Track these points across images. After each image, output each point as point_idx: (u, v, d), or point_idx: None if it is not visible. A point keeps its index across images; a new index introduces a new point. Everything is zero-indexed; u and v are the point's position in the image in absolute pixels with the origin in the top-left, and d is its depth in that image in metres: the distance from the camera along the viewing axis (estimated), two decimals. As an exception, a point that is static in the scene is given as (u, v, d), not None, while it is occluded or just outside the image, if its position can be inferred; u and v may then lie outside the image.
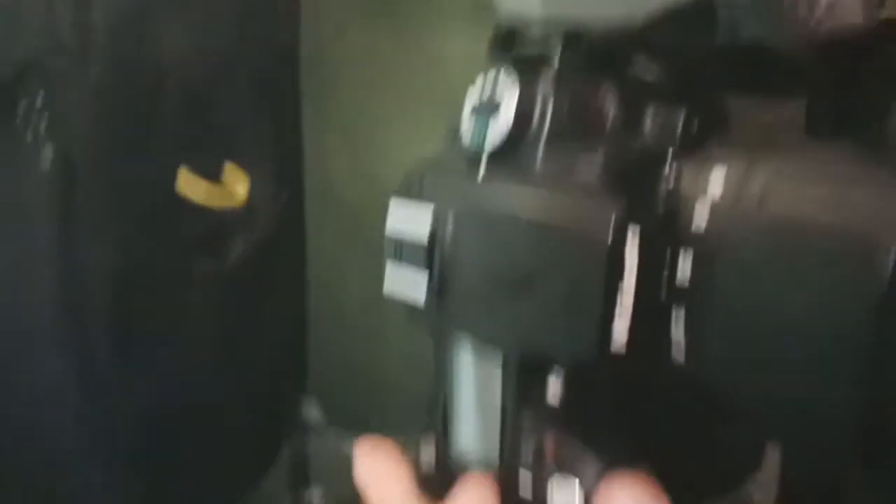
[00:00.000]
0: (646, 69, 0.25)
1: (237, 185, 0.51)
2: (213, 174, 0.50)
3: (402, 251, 0.23)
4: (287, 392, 0.57)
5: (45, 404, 0.47)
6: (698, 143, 0.23)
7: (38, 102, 0.41)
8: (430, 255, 0.22)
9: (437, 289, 0.22)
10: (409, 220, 0.23)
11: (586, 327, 0.19)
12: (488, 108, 0.23)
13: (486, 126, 0.23)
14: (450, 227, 0.22)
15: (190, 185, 0.48)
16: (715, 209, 0.19)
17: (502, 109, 0.23)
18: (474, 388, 0.24)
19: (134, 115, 0.46)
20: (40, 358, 0.46)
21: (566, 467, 0.21)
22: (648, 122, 0.24)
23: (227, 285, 0.52)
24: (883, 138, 0.29)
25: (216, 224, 0.51)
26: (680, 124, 0.24)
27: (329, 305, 0.64)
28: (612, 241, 0.19)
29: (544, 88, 0.23)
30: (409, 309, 0.24)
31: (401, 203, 0.23)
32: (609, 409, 0.22)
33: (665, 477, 0.20)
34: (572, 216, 0.20)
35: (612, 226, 0.19)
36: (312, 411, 0.66)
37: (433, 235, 0.22)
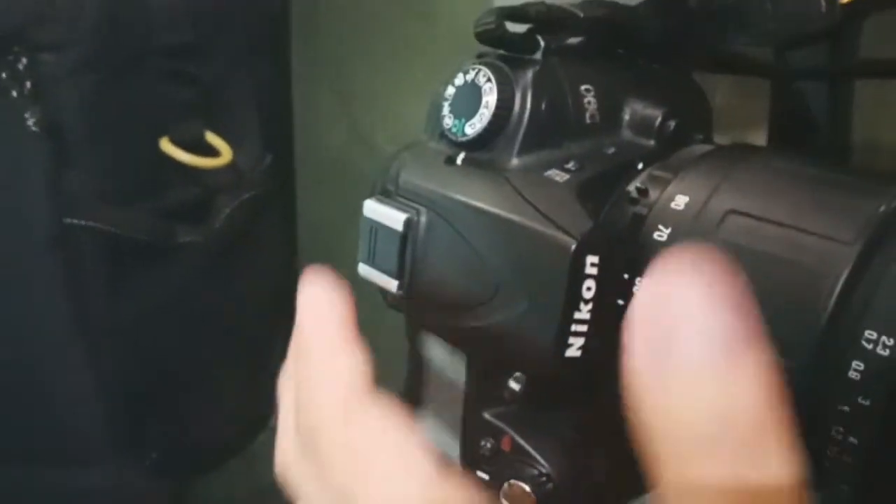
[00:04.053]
0: (626, 66, 0.25)
1: (221, 148, 0.50)
2: (198, 136, 0.49)
3: (375, 250, 0.23)
4: (275, 355, 0.58)
5: (43, 349, 0.47)
6: (674, 144, 0.23)
7: (22, 65, 0.40)
8: (402, 257, 0.22)
9: (407, 289, 0.22)
10: (383, 218, 0.22)
11: (544, 337, 0.19)
12: (467, 103, 0.23)
13: (464, 121, 0.23)
14: (421, 229, 0.22)
15: (173, 148, 0.47)
16: (675, 229, 0.19)
17: (481, 105, 0.22)
18: (440, 382, 0.24)
19: (120, 78, 0.45)
20: (36, 312, 0.46)
21: (523, 472, 0.21)
22: (626, 120, 0.24)
23: (214, 245, 0.52)
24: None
25: (202, 186, 0.50)
26: (657, 124, 0.23)
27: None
28: (574, 255, 0.18)
29: (523, 86, 0.22)
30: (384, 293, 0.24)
31: (374, 204, 0.22)
32: (569, 410, 0.22)
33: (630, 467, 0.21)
34: (539, 224, 0.20)
35: (576, 242, 0.19)
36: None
37: (405, 238, 0.22)
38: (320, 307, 0.20)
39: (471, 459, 0.23)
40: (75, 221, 0.43)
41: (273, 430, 0.22)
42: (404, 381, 0.25)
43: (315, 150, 0.65)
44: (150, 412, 0.51)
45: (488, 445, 0.22)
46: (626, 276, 0.20)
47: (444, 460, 0.19)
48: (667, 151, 0.23)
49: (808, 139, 0.30)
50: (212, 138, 0.50)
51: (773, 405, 0.12)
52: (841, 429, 0.16)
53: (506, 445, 0.22)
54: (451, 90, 0.23)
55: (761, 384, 0.12)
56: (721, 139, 0.26)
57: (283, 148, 0.57)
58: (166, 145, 0.47)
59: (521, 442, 0.22)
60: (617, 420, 0.21)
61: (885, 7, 0.25)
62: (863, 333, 0.16)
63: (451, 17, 0.58)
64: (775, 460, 0.12)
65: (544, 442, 0.22)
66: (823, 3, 0.25)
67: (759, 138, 0.30)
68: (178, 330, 0.51)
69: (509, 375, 0.22)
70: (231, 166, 0.51)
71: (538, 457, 0.22)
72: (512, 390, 0.22)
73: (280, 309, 0.60)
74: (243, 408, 0.55)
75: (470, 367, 0.23)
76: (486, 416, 0.22)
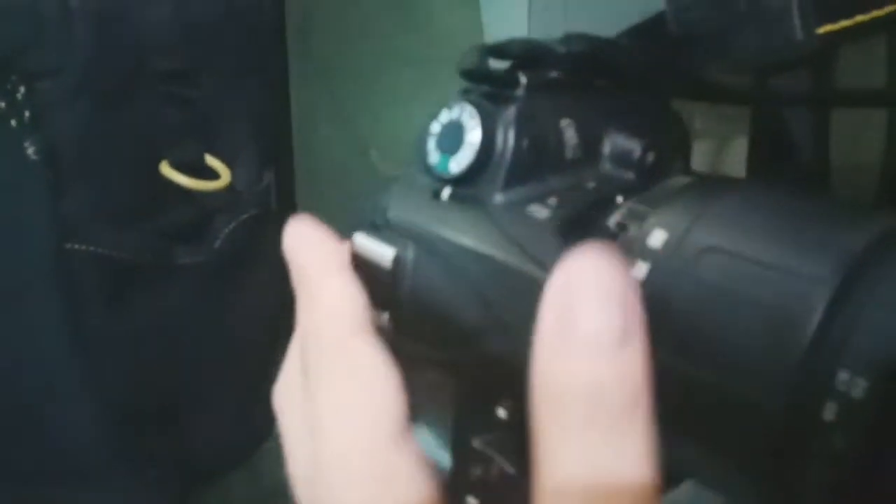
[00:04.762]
0: (606, 97, 0.25)
1: (220, 170, 0.51)
2: (197, 160, 0.50)
3: (364, 283, 0.23)
4: (274, 371, 0.58)
5: (42, 370, 0.48)
6: (653, 176, 0.24)
7: (20, 94, 0.40)
8: (390, 291, 0.22)
9: (396, 323, 0.22)
10: (372, 253, 0.23)
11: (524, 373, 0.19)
12: (451, 140, 0.23)
13: (448, 157, 0.23)
14: (409, 265, 0.22)
15: (172, 171, 0.48)
16: (653, 265, 0.19)
17: (465, 142, 0.23)
18: (431, 404, 0.24)
19: (117, 102, 0.45)
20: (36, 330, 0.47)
21: (512, 500, 0.21)
22: (606, 153, 0.24)
23: (212, 265, 0.52)
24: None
25: (200, 207, 0.51)
26: (637, 157, 0.24)
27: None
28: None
29: (505, 123, 0.23)
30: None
31: (363, 238, 0.23)
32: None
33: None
34: (521, 262, 0.20)
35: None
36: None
37: (393, 274, 0.22)
38: (313, 240, 0.22)
39: (461, 486, 0.23)
40: (75, 246, 0.44)
41: (276, 439, 0.22)
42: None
43: (315, 165, 0.66)
44: (150, 430, 0.51)
45: (478, 473, 0.23)
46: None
47: (434, 469, 0.20)
48: (646, 183, 0.23)
49: (788, 164, 0.30)
50: (210, 160, 0.51)
51: (641, 398, 0.14)
52: (817, 470, 0.16)
53: (495, 473, 0.23)
54: (436, 126, 0.24)
55: (636, 376, 0.14)
56: (702, 164, 0.27)
57: (283, 165, 0.57)
58: (166, 169, 0.48)
59: (511, 470, 0.22)
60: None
61: (862, 37, 0.26)
62: (837, 374, 0.16)
63: (446, 30, 0.59)
64: (635, 451, 0.14)
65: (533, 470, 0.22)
66: (800, 32, 0.26)
67: (740, 164, 0.31)
68: (177, 348, 0.51)
69: (497, 402, 0.22)
70: (229, 187, 0.52)
71: (527, 484, 0.22)
72: (499, 418, 0.22)
73: (279, 326, 0.60)
74: (242, 423, 0.56)
75: (458, 395, 0.24)
76: (476, 444, 0.23)
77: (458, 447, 0.23)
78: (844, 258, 0.17)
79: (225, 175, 0.51)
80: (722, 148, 0.32)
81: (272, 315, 0.59)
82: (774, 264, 0.18)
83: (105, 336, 0.48)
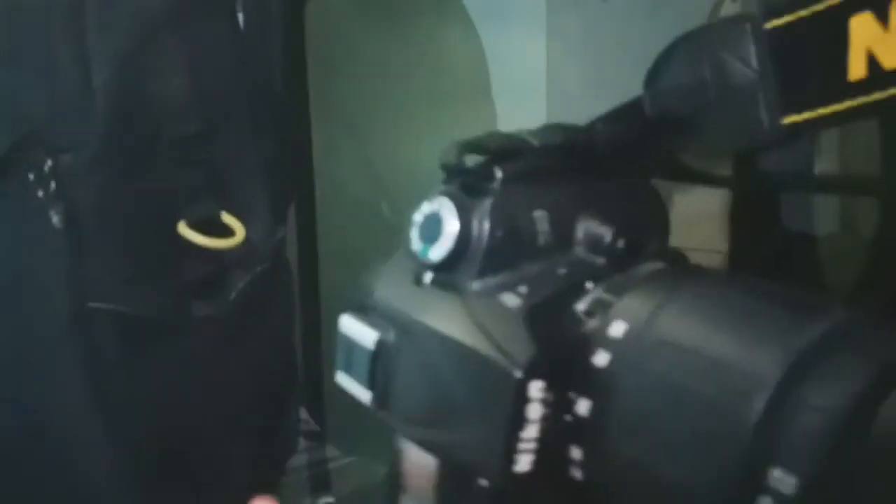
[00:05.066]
0: (579, 184, 0.27)
1: (235, 227, 0.53)
2: (214, 218, 0.52)
3: (351, 362, 0.25)
4: (286, 416, 0.60)
5: (64, 423, 0.50)
6: (625, 260, 0.25)
7: (47, 167, 0.43)
8: (373, 372, 0.24)
9: (379, 402, 0.24)
10: (357, 335, 0.24)
11: (493, 455, 0.21)
12: (431, 230, 0.25)
13: (429, 246, 0.25)
14: (391, 348, 0.24)
15: (190, 231, 0.50)
16: (614, 356, 0.21)
17: (443, 233, 0.24)
18: (417, 475, 0.26)
19: (135, 168, 0.48)
20: (55, 390, 0.49)
21: None
22: (578, 238, 0.26)
23: (228, 318, 0.54)
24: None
25: (216, 263, 0.53)
26: (607, 243, 0.25)
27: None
28: (518, 382, 0.20)
29: (480, 215, 0.24)
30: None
31: (350, 320, 0.25)
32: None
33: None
34: (489, 350, 0.21)
35: (521, 370, 0.20)
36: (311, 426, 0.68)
37: (376, 355, 0.24)
38: None
39: None
40: (95, 305, 0.46)
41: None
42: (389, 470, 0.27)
43: (336, 203, 0.67)
44: (166, 480, 0.53)
45: None
46: (571, 394, 0.22)
47: None
48: (618, 268, 0.24)
49: (766, 241, 0.31)
50: (226, 218, 0.53)
51: None
52: None
53: None
54: (418, 217, 0.25)
55: None
56: (682, 240, 0.28)
57: (305, 206, 0.59)
58: (183, 229, 0.50)
59: None
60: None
61: (826, 127, 0.27)
62: (771, 471, 0.17)
63: (452, 65, 0.62)
64: None
65: None
66: (766, 122, 0.27)
67: (721, 239, 0.32)
68: (193, 400, 0.53)
69: (475, 482, 0.23)
70: (246, 243, 0.54)
71: None
72: (480, 487, 0.23)
73: (291, 374, 0.62)
74: (254, 473, 0.57)
75: (440, 469, 0.25)
76: None
77: None
78: (786, 358, 0.18)
79: (240, 232, 0.53)
80: (704, 224, 0.34)
81: (285, 363, 0.60)
82: (721, 361, 0.19)
83: (125, 389, 0.50)
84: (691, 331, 0.20)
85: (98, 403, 0.48)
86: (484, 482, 0.23)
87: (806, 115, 0.27)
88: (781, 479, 0.17)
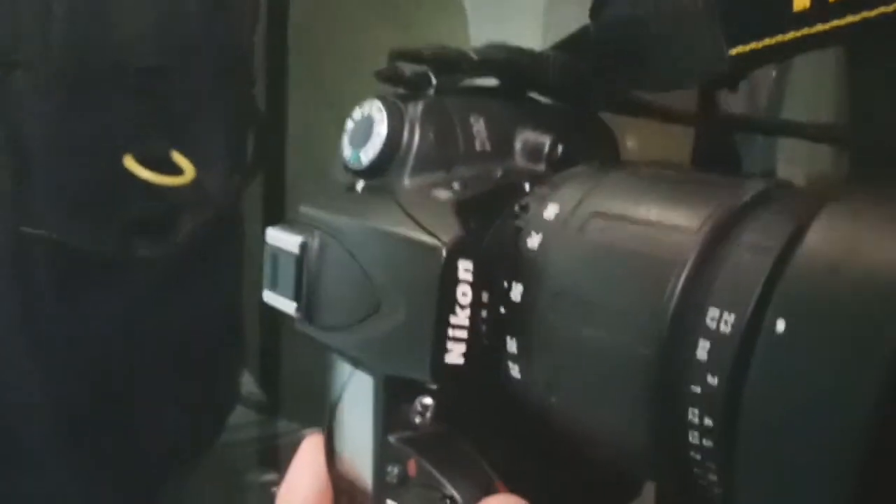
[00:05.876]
0: (520, 103, 0.26)
1: (185, 167, 0.50)
2: (163, 156, 0.50)
3: (276, 275, 0.23)
4: (227, 369, 0.57)
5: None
6: (560, 168, 0.24)
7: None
8: (298, 280, 0.22)
9: (305, 311, 0.22)
10: (281, 242, 0.23)
11: (423, 343, 0.19)
12: (362, 134, 0.24)
13: (359, 150, 0.24)
14: (314, 251, 0.22)
15: (136, 165, 0.48)
16: (545, 234, 0.20)
17: (373, 134, 0.23)
18: (351, 406, 0.24)
19: (87, 97, 0.45)
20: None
21: (429, 498, 0.20)
22: (518, 148, 0.25)
23: (172, 261, 0.52)
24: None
25: (163, 203, 0.50)
26: (546, 150, 0.24)
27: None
28: (446, 259, 0.19)
29: (412, 117, 0.23)
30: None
31: (275, 231, 0.23)
32: (474, 432, 0.22)
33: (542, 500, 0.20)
34: (415, 234, 0.20)
35: (446, 247, 0.19)
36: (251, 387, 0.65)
37: (301, 260, 0.22)
38: (308, 477, 0.24)
39: (380, 487, 0.22)
40: (32, 231, 0.43)
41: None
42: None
43: (309, 164, 0.66)
44: (102, 425, 0.50)
45: (395, 472, 0.22)
46: (505, 284, 0.20)
47: None
48: (550, 176, 0.23)
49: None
50: (177, 157, 0.51)
51: None
52: (696, 411, 0.16)
53: (412, 470, 0.22)
54: (350, 124, 0.24)
55: None
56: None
57: (275, 165, 0.56)
58: (129, 162, 0.48)
59: (427, 466, 0.21)
60: (529, 444, 0.21)
61: (773, 60, 0.27)
62: (707, 312, 0.16)
63: (428, 28, 0.62)
64: None
65: (452, 467, 0.21)
66: (712, 54, 0.27)
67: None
68: (131, 343, 0.51)
69: (416, 397, 0.21)
70: (197, 186, 0.51)
71: (444, 482, 0.21)
72: (419, 411, 0.21)
73: (234, 327, 0.59)
74: (193, 422, 0.54)
75: (376, 391, 0.23)
76: (392, 440, 0.22)
77: (377, 446, 0.22)
78: (716, 212, 0.17)
79: (189, 171, 0.51)
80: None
81: (228, 316, 0.57)
82: (652, 222, 0.18)
83: (59, 327, 0.48)
84: (622, 201, 0.19)
85: (29, 337, 0.45)
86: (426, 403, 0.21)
87: (752, 45, 0.27)
88: (718, 317, 0.15)
